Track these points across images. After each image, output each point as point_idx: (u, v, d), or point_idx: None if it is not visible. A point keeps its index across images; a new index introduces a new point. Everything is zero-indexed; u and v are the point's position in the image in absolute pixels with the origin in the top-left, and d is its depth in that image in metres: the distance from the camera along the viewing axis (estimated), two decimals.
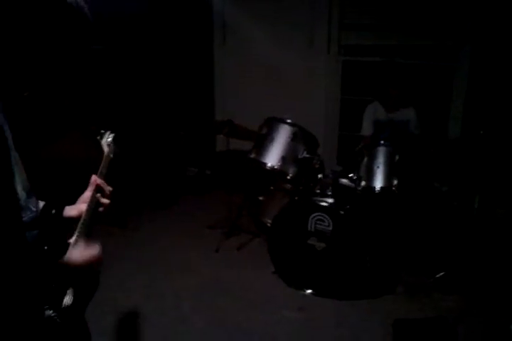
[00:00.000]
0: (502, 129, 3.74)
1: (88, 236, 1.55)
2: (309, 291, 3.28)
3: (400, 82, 3.77)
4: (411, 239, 3.58)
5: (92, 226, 1.58)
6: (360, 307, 3.13)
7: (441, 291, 3.24)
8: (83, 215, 1.55)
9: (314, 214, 3.19)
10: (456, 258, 3.48)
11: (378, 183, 3.24)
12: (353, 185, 3.29)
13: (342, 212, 3.13)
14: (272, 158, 3.38)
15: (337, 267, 3.18)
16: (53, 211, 1.53)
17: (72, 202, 1.64)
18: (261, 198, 4.00)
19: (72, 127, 3.95)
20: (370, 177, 3.28)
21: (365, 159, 3.37)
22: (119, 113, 4.46)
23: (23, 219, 1.30)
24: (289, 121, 3.45)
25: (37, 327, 1.28)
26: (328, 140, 4.88)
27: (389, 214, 3.50)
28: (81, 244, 1.47)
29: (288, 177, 3.39)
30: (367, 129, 3.93)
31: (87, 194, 1.60)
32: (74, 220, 1.55)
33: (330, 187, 3.32)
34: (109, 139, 1.90)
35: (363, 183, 3.28)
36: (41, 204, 1.49)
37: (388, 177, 3.24)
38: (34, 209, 1.40)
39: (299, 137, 3.42)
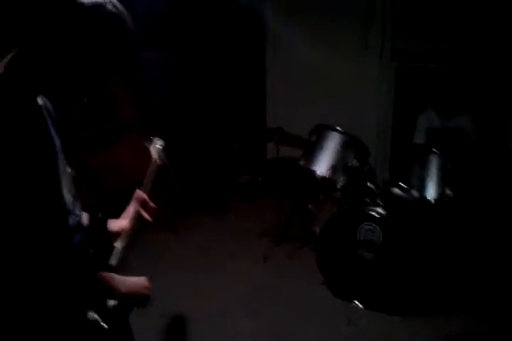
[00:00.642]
0: None
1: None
2: (358, 303, 3.22)
3: (455, 88, 3.65)
4: (468, 255, 3.43)
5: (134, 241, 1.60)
6: (410, 324, 3.02)
7: (500, 312, 3.08)
8: (124, 232, 1.56)
9: (364, 224, 3.13)
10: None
11: (430, 193, 3.14)
12: (404, 194, 3.21)
13: (393, 223, 3.05)
14: (322, 166, 3.34)
15: (386, 279, 3.10)
16: (99, 215, 1.55)
17: (118, 212, 1.67)
18: (310, 206, 3.97)
19: (124, 135, 4.05)
20: (421, 186, 3.19)
21: (417, 168, 3.30)
22: (173, 120, 4.56)
23: (70, 222, 1.34)
24: (338, 128, 3.41)
25: (81, 328, 1.30)
26: (380, 148, 4.78)
27: (443, 226, 3.37)
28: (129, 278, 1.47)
29: (337, 186, 3.35)
30: (420, 137, 3.83)
31: (131, 209, 1.62)
32: (116, 235, 1.57)
33: (380, 197, 3.26)
34: (158, 146, 1.90)
35: (415, 193, 3.19)
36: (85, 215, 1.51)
37: (441, 188, 3.14)
38: (79, 213, 1.44)
39: (349, 145, 3.38)
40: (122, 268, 1.50)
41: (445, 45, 4.20)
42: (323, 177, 3.32)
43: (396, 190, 3.25)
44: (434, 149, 3.28)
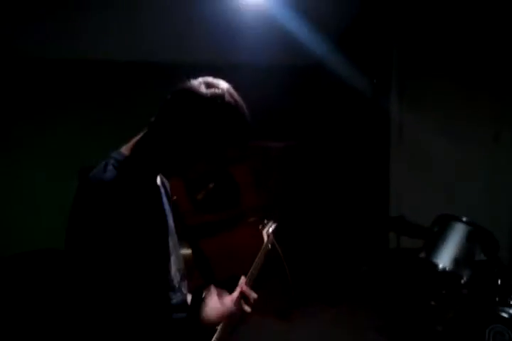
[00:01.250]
0: None
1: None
2: None
3: None
4: None
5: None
6: None
7: None
8: (223, 322, 1.54)
9: (492, 326, 2.83)
10: None
11: None
12: None
13: None
14: (444, 259, 3.14)
15: None
16: (204, 294, 1.57)
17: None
18: (433, 303, 3.69)
19: (242, 221, 4.17)
20: None
21: None
22: (296, 207, 4.64)
23: (174, 301, 1.36)
24: (463, 219, 3.23)
25: None
26: None
27: None
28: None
29: (462, 282, 3.11)
30: None
31: (233, 296, 1.58)
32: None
33: None
34: (271, 229, 1.92)
35: None
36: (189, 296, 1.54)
37: None
38: (185, 292, 1.46)
39: (476, 237, 3.16)
40: None
41: None
42: (445, 271, 3.11)
43: None
44: None
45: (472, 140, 4.64)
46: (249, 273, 1.72)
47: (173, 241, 1.42)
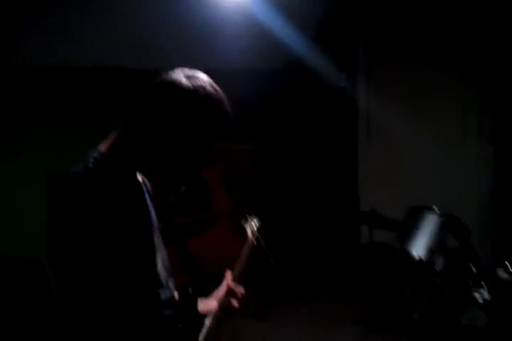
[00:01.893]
0: None
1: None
2: None
3: None
4: None
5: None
6: None
7: None
8: (212, 315, 1.57)
9: (467, 309, 2.95)
10: None
11: None
12: (510, 276, 3.03)
13: (498, 308, 2.86)
14: (419, 249, 3.24)
15: None
16: (190, 290, 1.56)
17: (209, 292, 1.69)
18: (408, 292, 3.80)
19: (216, 221, 4.20)
20: None
21: None
22: (265, 205, 4.69)
23: (162, 296, 1.36)
24: (435, 209, 3.35)
25: None
26: (482, 229, 4.59)
27: None
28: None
29: (436, 270, 3.22)
30: None
31: (221, 291, 1.62)
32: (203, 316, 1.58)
33: (484, 280, 3.09)
34: (254, 225, 1.96)
35: None
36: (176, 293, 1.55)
37: None
38: (172, 288, 1.47)
39: (447, 226, 3.29)
40: None
41: None
42: (421, 260, 3.22)
43: (501, 272, 3.07)
44: None
45: (440, 129, 4.79)
46: (235, 269, 1.74)
47: (157, 238, 1.40)
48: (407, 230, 3.38)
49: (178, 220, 3.79)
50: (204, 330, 1.52)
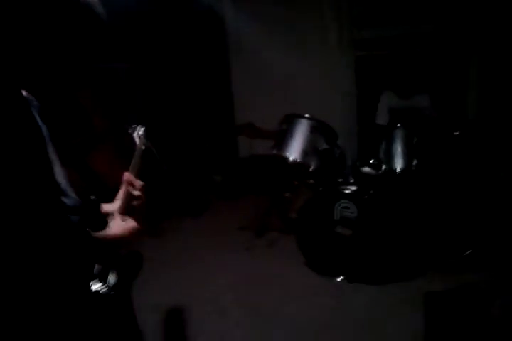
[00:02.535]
0: None
1: None
2: (341, 278, 3.36)
3: (411, 70, 3.87)
4: (437, 220, 3.62)
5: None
6: (391, 290, 3.18)
7: (471, 269, 3.28)
8: (118, 209, 1.61)
9: (339, 202, 3.29)
10: (482, 236, 3.52)
11: (398, 165, 3.34)
12: (373, 170, 3.39)
13: (365, 197, 3.22)
14: (294, 152, 3.47)
15: (366, 252, 3.26)
16: (92, 197, 1.62)
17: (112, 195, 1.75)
18: (287, 195, 4.12)
19: (100, 143, 4.14)
20: (389, 160, 3.38)
21: (384, 144, 3.48)
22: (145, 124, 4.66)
23: (67, 203, 1.40)
24: (306, 115, 3.57)
25: (84, 298, 1.38)
26: (348, 132, 5.01)
27: (412, 195, 3.57)
28: (117, 218, 1.58)
29: (310, 169, 3.49)
30: (382, 118, 4.03)
31: (121, 191, 1.66)
32: (110, 215, 1.62)
33: (352, 175, 3.43)
34: (141, 132, 2.01)
35: (384, 167, 3.38)
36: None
37: (407, 159, 3.34)
38: (74, 196, 1.51)
39: (318, 130, 3.53)
40: None
41: (398, 32, 4.53)
42: (296, 162, 3.46)
43: (366, 168, 3.42)
44: (398, 125, 3.47)
45: (304, 43, 5.02)
46: (129, 171, 1.80)
47: (52, 153, 1.42)
48: (282, 136, 3.58)
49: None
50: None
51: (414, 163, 3.33)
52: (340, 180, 3.46)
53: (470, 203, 3.68)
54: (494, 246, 3.45)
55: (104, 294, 1.42)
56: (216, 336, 2.87)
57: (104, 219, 1.63)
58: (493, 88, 4.29)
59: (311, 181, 3.78)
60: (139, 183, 1.69)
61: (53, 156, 1.40)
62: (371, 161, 3.42)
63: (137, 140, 1.98)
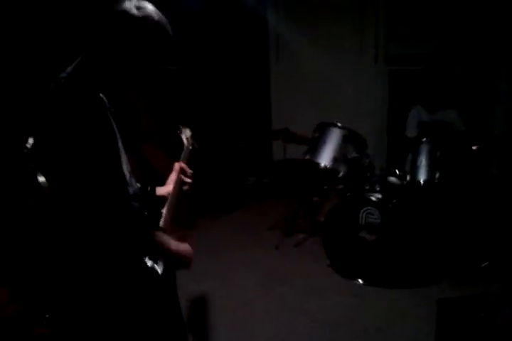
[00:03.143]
0: None
1: (177, 213, 1.89)
2: (361, 281, 3.55)
3: (442, 85, 4.03)
4: (456, 231, 3.78)
5: (180, 203, 1.92)
6: (408, 295, 3.37)
7: (485, 280, 3.43)
8: (171, 193, 1.87)
9: (364, 209, 3.48)
10: (500, 249, 3.67)
11: (422, 177, 3.52)
12: (399, 180, 3.57)
13: (390, 205, 3.41)
14: (325, 158, 3.70)
15: (387, 257, 3.44)
16: (149, 188, 1.85)
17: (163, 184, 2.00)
18: (315, 199, 4.32)
19: (144, 141, 4.41)
20: (414, 172, 3.57)
21: (410, 156, 3.68)
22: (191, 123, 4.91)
23: (130, 191, 1.65)
24: (338, 124, 3.78)
25: (139, 271, 1.60)
26: (379, 143, 5.22)
27: (434, 205, 3.73)
28: (180, 243, 1.77)
29: (339, 176, 3.70)
30: (411, 131, 4.20)
31: (173, 176, 1.93)
32: (164, 198, 1.87)
33: (378, 184, 3.62)
34: (188, 134, 2.27)
35: (408, 178, 3.56)
36: (138, 185, 1.85)
37: (431, 171, 3.52)
38: (135, 185, 1.76)
39: (349, 139, 3.74)
40: None
41: (430, 50, 4.71)
42: (326, 168, 3.67)
43: (391, 177, 3.60)
44: (424, 139, 3.65)
45: (342, 55, 5.23)
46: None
47: (121, 146, 1.66)
48: (315, 143, 3.80)
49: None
50: (162, 217, 1.81)
51: (437, 175, 3.51)
52: (367, 187, 3.65)
53: (489, 216, 3.83)
54: (509, 259, 3.59)
55: (157, 271, 1.62)
56: (241, 325, 3.10)
57: (159, 202, 1.88)
58: None
59: (340, 187, 3.99)
60: (189, 171, 1.96)
61: (121, 149, 1.65)
62: (397, 172, 3.62)
63: (185, 140, 2.23)
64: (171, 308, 1.96)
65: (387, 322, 3.07)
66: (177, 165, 1.96)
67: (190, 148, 2.19)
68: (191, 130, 2.31)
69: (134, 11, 1.53)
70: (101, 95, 1.53)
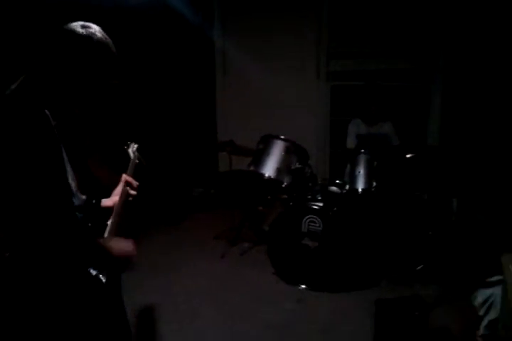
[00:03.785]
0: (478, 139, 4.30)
1: (122, 224, 1.96)
2: (304, 286, 3.69)
3: (379, 100, 4.27)
4: (393, 235, 4.00)
5: (125, 215, 2.00)
6: (349, 298, 3.54)
7: (421, 282, 3.67)
8: (116, 205, 1.96)
9: (307, 217, 3.63)
10: (434, 253, 3.90)
11: (360, 186, 3.72)
12: (339, 189, 3.75)
13: (330, 213, 3.58)
14: (269, 169, 3.82)
15: (329, 263, 3.60)
16: (94, 201, 1.92)
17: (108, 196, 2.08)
18: (260, 208, 4.45)
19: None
20: (352, 181, 3.75)
21: (348, 166, 3.88)
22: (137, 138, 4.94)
23: (75, 203, 1.71)
24: (282, 136, 3.92)
25: (84, 280, 1.65)
26: (320, 154, 5.47)
27: (372, 212, 3.94)
28: (120, 239, 1.86)
29: (283, 186, 3.84)
30: (350, 143, 4.41)
31: (119, 188, 2.03)
32: (110, 209, 1.96)
33: (320, 193, 3.79)
34: (134, 148, 2.34)
35: (347, 187, 3.75)
36: (83, 196, 1.91)
37: (368, 181, 3.72)
38: (80, 196, 1.81)
39: (292, 150, 3.89)
40: None
41: (371, 65, 5.00)
42: (270, 178, 3.80)
43: (332, 187, 3.77)
44: (362, 150, 3.85)
45: (283, 72, 5.44)
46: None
47: (65, 157, 1.71)
48: (260, 154, 3.92)
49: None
50: (108, 228, 1.89)
51: (374, 184, 3.72)
52: (309, 196, 3.80)
53: (423, 221, 4.07)
54: (443, 262, 3.84)
55: (102, 280, 1.68)
56: (189, 334, 3.15)
57: (104, 213, 1.94)
58: (453, 119, 4.76)
59: (284, 196, 4.14)
60: (135, 183, 2.04)
61: (66, 161, 1.69)
62: (337, 181, 3.80)
63: (131, 154, 2.31)
64: (117, 317, 2.01)
65: (329, 325, 3.21)
66: (123, 178, 2.04)
67: (137, 161, 2.27)
68: (137, 143, 2.38)
69: (79, 29, 1.62)
70: (46, 111, 1.58)
